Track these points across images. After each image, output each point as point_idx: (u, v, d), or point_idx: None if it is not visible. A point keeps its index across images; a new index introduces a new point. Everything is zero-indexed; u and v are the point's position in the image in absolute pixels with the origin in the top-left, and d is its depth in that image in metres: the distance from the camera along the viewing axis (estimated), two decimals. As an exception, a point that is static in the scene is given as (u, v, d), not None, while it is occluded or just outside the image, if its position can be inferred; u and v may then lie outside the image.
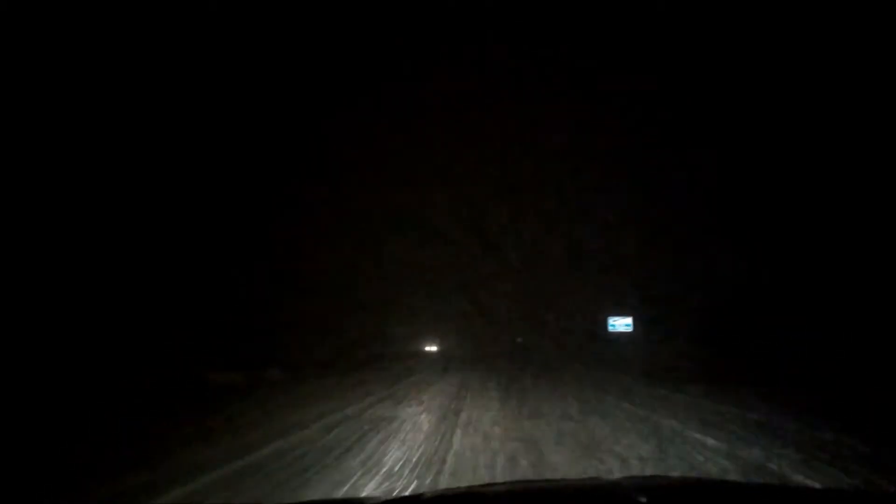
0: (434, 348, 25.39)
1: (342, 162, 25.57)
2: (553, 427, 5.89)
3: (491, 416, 6.65)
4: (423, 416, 6.93)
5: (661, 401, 7.86)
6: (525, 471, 4.09)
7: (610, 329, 26.30)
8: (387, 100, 25.94)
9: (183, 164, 17.24)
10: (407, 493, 3.46)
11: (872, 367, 10.64)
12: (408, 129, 27.07)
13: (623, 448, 4.77)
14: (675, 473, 3.89)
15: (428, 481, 3.87)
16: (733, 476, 3.91)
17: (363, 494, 3.54)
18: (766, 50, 16.65)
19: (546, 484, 2.50)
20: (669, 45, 19.56)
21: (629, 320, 26.03)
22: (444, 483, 3.81)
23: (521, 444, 5.01)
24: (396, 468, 4.26)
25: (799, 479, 3.82)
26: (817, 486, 3.59)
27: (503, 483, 3.44)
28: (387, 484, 3.84)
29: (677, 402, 7.68)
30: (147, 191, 15.73)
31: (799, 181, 15.64)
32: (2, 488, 4.12)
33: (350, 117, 25.14)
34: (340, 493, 3.61)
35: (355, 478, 3.97)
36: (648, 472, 4.00)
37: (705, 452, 4.58)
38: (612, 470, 4.06)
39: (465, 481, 3.77)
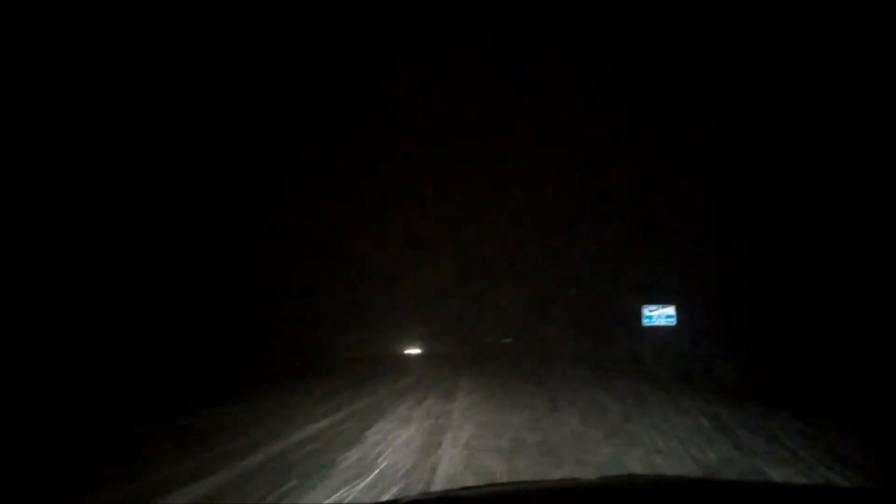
0: (417, 351, 21.57)
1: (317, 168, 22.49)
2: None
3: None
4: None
5: None
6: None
7: (645, 323, 19.37)
8: (360, 106, 22.34)
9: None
10: (383, 500, 3.40)
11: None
12: (384, 135, 23.32)
13: None
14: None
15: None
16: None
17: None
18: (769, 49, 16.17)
19: (523, 486, 2.43)
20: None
21: (671, 310, 18.90)
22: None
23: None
24: None
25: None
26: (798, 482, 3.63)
27: (479, 487, 2.90)
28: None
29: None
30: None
31: (799, 180, 14.78)
32: None
33: (322, 126, 21.95)
34: None
35: None
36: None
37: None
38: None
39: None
